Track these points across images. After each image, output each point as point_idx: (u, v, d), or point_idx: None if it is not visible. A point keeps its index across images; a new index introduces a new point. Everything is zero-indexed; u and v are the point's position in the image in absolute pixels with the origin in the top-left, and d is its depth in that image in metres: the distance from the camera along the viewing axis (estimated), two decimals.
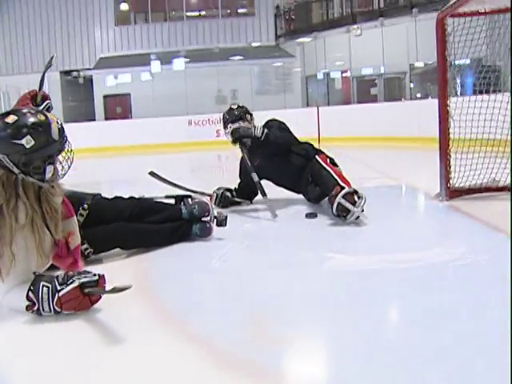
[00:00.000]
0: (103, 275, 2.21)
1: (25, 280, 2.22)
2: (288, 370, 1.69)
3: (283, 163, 4.26)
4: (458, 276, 2.43)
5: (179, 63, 17.74)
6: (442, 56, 4.13)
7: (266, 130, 4.14)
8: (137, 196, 3.45)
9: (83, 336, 2.00)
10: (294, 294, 2.34)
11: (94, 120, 17.05)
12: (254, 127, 4.21)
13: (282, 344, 1.80)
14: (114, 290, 2.06)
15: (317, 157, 4.13)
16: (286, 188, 4.51)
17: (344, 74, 16.80)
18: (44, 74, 3.03)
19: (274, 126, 4.30)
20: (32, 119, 2.16)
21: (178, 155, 13.26)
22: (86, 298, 2.17)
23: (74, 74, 18.21)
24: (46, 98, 2.82)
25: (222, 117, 4.53)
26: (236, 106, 4.50)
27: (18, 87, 16.62)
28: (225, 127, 4.42)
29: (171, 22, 18.40)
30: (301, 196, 4.42)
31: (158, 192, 4.18)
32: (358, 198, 3.53)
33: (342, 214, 3.52)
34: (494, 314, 1.92)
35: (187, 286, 2.54)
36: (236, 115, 4.38)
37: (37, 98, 2.62)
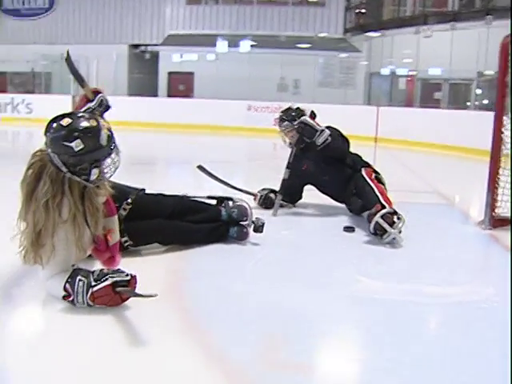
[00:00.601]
0: (135, 276, 2.35)
1: (64, 269, 2.40)
2: None
3: (333, 172, 4.29)
4: (479, 322, 2.40)
5: (245, 45, 17.77)
6: (502, 81, 4.04)
7: (328, 140, 4.08)
8: (180, 194, 3.56)
9: (110, 330, 2.16)
10: (315, 315, 2.40)
11: (157, 96, 17.36)
12: (321, 131, 4.09)
13: (291, 373, 1.87)
14: (142, 296, 2.23)
15: (363, 170, 4.14)
16: (329, 196, 4.54)
17: (410, 73, 16.46)
18: (74, 69, 3.28)
19: (335, 135, 4.22)
20: (84, 124, 2.31)
21: (234, 139, 13.39)
22: (117, 295, 2.32)
23: (142, 48, 18.54)
24: (97, 92, 3.10)
25: (279, 114, 4.53)
26: (296, 107, 4.51)
27: (88, 56, 17.14)
28: (280, 125, 4.45)
29: (241, 6, 18.43)
30: (343, 205, 4.45)
31: (201, 190, 4.27)
32: (398, 218, 3.55)
33: (379, 233, 3.54)
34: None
35: (216, 291, 2.64)
36: (293, 115, 4.37)
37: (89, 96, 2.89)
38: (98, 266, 2.54)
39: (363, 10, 17.54)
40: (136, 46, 18.57)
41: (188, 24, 18.52)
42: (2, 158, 8.63)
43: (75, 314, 2.29)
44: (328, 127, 4.26)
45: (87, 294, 2.30)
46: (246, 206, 3.52)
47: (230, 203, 3.57)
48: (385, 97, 16.71)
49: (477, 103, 14.72)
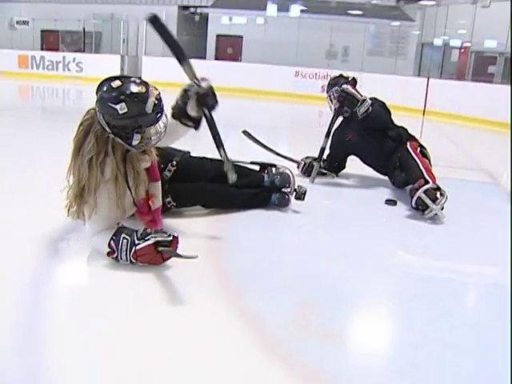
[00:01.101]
0: (177, 237, 2.42)
1: (108, 227, 2.50)
2: (326, 369, 1.79)
3: (376, 144, 4.26)
4: None
5: (295, 10, 17.50)
6: None
7: (369, 111, 4.05)
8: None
9: (150, 287, 2.25)
10: (349, 287, 2.44)
11: (205, 58, 17.35)
12: (362, 101, 4.07)
13: (324, 340, 1.92)
14: (182, 257, 2.32)
15: (408, 143, 4.10)
16: (372, 168, 4.52)
17: (464, 44, 15.93)
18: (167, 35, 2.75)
19: (377, 106, 4.19)
20: (132, 89, 2.36)
21: (280, 104, 13.37)
22: (158, 254, 2.41)
23: (192, 10, 18.46)
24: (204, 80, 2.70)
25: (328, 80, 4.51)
26: (347, 76, 4.45)
27: (137, 17, 17.20)
28: (327, 91, 4.42)
29: None
30: (386, 178, 4.43)
31: (245, 155, 4.31)
32: (441, 195, 3.51)
33: (421, 209, 3.52)
34: None
35: (253, 255, 2.71)
36: (342, 83, 4.30)
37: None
38: (142, 226, 2.62)
39: None
40: (186, 8, 18.49)
41: None
42: (52, 114, 8.89)
43: (118, 269, 2.40)
44: (372, 99, 4.22)
45: (130, 251, 2.39)
46: (289, 173, 3.54)
47: (273, 170, 3.60)
48: (436, 69, 16.26)
49: None
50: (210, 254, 2.64)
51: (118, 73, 16.01)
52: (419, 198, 3.50)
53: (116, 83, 2.37)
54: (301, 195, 3.51)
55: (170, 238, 2.40)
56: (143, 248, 2.38)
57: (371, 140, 4.26)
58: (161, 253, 2.40)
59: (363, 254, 2.83)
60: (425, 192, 3.50)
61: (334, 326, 2.05)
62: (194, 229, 2.99)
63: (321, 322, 2.09)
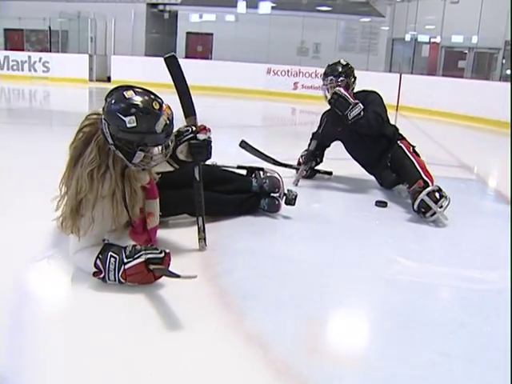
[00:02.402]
0: (169, 253, 2.25)
1: (95, 244, 2.31)
2: None
3: (367, 142, 4.10)
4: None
5: (265, 6, 17.39)
6: None
7: (360, 115, 3.86)
8: (209, 163, 3.45)
9: (141, 311, 2.06)
10: (355, 300, 2.32)
11: None
12: (354, 104, 3.87)
13: (339, 364, 1.79)
14: (178, 276, 2.10)
15: (399, 142, 3.99)
16: (360, 164, 4.40)
17: (433, 40, 16.03)
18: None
19: (373, 103, 4.02)
20: (145, 104, 2.18)
21: (252, 102, 13.27)
22: (150, 273, 2.23)
23: (160, 7, 18.17)
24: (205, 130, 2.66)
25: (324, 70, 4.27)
26: (345, 63, 4.26)
27: (105, 15, 16.86)
28: (324, 79, 4.22)
29: None
30: (372, 178, 4.33)
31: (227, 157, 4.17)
32: (442, 196, 3.43)
33: (422, 211, 3.43)
34: None
35: (249, 268, 2.55)
36: (340, 71, 4.15)
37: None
38: (130, 241, 2.45)
39: None
40: (154, 5, 18.20)
41: None
42: (19, 117, 8.55)
43: (104, 291, 2.20)
44: (372, 93, 4.11)
45: (119, 271, 2.21)
46: (278, 177, 3.41)
47: (261, 174, 3.47)
48: (407, 64, 16.33)
49: (500, 78, 14.30)
50: (204, 270, 2.48)
51: (86, 73, 15.69)
52: (422, 200, 3.40)
53: (129, 93, 2.18)
54: (291, 200, 3.38)
55: (162, 255, 2.22)
56: (133, 267, 2.20)
57: (363, 139, 4.11)
58: (152, 271, 2.23)
59: (362, 262, 2.71)
60: (428, 194, 3.40)
61: (347, 347, 1.93)
62: (182, 241, 2.82)
63: (333, 343, 1.96)
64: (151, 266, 2.21)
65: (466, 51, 15.40)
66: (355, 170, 4.42)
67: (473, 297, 2.40)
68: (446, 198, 3.43)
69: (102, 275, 2.23)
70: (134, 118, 2.14)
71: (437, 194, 3.42)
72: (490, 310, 2.28)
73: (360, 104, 3.88)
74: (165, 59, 2.62)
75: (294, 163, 4.46)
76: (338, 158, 4.50)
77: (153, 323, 1.97)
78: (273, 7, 17.30)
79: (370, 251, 2.88)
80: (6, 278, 2.26)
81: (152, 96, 2.23)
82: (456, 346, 1.94)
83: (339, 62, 4.27)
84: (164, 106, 2.24)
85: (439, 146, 7.46)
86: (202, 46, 18.13)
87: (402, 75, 12.86)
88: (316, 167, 4.49)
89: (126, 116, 2.14)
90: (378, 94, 4.16)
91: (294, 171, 4.36)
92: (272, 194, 3.38)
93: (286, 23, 16.97)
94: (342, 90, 3.94)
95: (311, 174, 4.46)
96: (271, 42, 16.76)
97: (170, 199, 3.03)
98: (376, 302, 2.29)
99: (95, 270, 2.24)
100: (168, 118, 2.23)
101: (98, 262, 2.23)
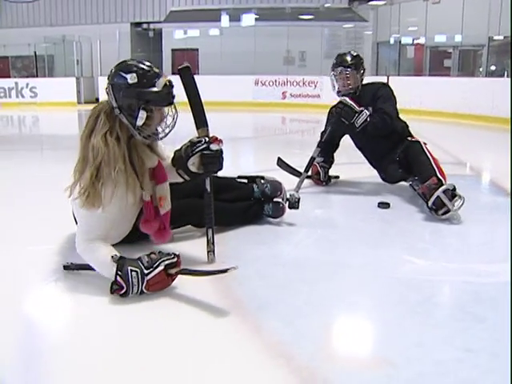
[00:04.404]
0: (178, 255, 2.28)
1: (105, 236, 2.38)
2: None
3: (374, 136, 4.05)
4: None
5: (249, 19, 17.47)
6: None
7: (367, 122, 3.81)
8: None
9: (155, 326, 2.03)
10: (372, 302, 2.29)
11: None
12: (360, 112, 3.81)
13: (360, 368, 1.77)
14: (199, 273, 2.27)
15: (413, 139, 3.98)
16: (365, 156, 4.39)
17: (417, 41, 16.14)
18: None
19: (382, 99, 3.97)
20: (146, 66, 2.36)
21: (242, 114, 13.29)
22: (168, 278, 2.25)
23: (144, 26, 18.24)
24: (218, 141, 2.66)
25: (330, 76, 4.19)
26: (355, 54, 4.20)
27: (90, 37, 16.89)
28: (333, 69, 4.16)
29: None
30: (372, 178, 4.32)
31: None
32: (456, 196, 3.42)
33: (434, 209, 3.41)
34: None
35: (262, 277, 2.51)
36: (349, 63, 4.09)
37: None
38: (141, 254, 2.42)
39: None
40: (138, 24, 18.27)
41: None
42: (8, 144, 8.47)
43: (110, 308, 2.17)
44: (383, 86, 4.09)
45: (143, 283, 2.19)
46: (279, 181, 3.40)
47: (262, 180, 3.46)
48: (393, 66, 16.45)
49: (486, 74, 14.42)
50: (215, 283, 2.44)
51: (74, 96, 15.69)
52: (438, 197, 3.37)
53: (131, 60, 2.45)
54: (295, 203, 3.36)
55: (175, 259, 2.25)
56: (155, 276, 2.19)
57: (374, 136, 4.05)
58: (170, 275, 2.24)
59: (374, 264, 2.69)
60: (444, 192, 3.38)
61: (369, 350, 1.91)
62: (190, 254, 2.76)
63: (354, 347, 1.92)
64: (171, 271, 2.23)
65: (451, 50, 15.52)
66: (353, 173, 4.42)
67: (486, 291, 2.38)
68: (460, 197, 3.41)
69: (123, 291, 2.20)
70: (135, 74, 2.29)
71: (452, 193, 3.41)
72: (504, 302, 2.26)
73: (365, 111, 3.84)
74: (179, 70, 2.67)
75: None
76: (336, 163, 4.49)
77: (168, 340, 1.93)
78: (256, 19, 17.39)
79: (380, 252, 2.86)
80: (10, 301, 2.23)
81: (154, 67, 2.40)
82: (477, 340, 1.92)
83: (349, 52, 4.22)
84: (163, 73, 2.40)
85: (433, 144, 7.37)
86: (188, 61, 18.12)
87: (390, 77, 12.91)
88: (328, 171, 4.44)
89: (127, 73, 2.30)
90: (387, 87, 4.13)
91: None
92: (275, 199, 3.36)
93: (270, 34, 17.05)
94: (347, 99, 3.92)
95: (327, 181, 4.41)
96: (257, 54, 16.83)
97: (175, 208, 2.96)
98: (393, 302, 2.26)
99: (116, 287, 2.21)
100: (169, 81, 2.36)
101: (119, 279, 2.20)
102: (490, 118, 10.20)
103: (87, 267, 2.39)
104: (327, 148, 4.30)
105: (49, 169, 5.54)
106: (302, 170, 4.19)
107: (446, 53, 15.78)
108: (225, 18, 17.47)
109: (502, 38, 14.03)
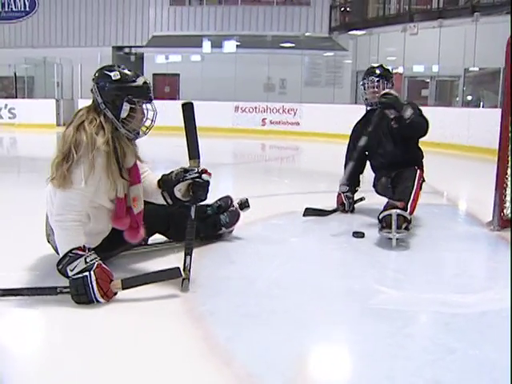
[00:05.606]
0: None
1: (81, 213, 2.53)
2: None
3: (394, 149, 4.14)
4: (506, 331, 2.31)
5: (230, 45, 17.67)
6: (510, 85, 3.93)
7: (413, 115, 3.82)
8: None
9: (124, 357, 1.99)
10: (339, 332, 2.29)
11: None
12: (407, 104, 3.89)
13: None
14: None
15: (417, 169, 4.02)
16: (371, 164, 4.43)
17: (395, 71, 16.42)
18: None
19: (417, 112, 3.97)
20: (127, 68, 2.70)
21: (221, 140, 13.31)
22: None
23: (126, 50, 18.33)
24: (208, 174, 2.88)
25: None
26: (386, 68, 4.26)
27: (71, 60, 16.90)
28: (363, 78, 4.21)
29: (225, 6, 18.30)
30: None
31: None
32: (405, 228, 3.48)
33: (380, 225, 3.50)
34: None
35: (234, 307, 2.48)
36: (379, 73, 4.15)
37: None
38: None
39: (348, 9, 17.51)
40: (120, 48, 18.35)
41: (172, 25, 18.33)
42: None
43: (83, 335, 2.15)
44: (412, 103, 4.09)
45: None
46: (228, 195, 3.60)
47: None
48: None
49: (462, 104, 14.71)
50: (188, 312, 2.42)
51: (53, 118, 15.62)
52: (390, 215, 3.43)
53: (112, 65, 2.78)
54: (244, 203, 3.59)
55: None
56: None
57: (392, 142, 4.16)
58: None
59: (347, 294, 2.70)
60: (398, 215, 3.43)
61: (339, 382, 1.90)
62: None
63: (325, 378, 1.90)
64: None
65: (428, 80, 15.85)
66: (329, 202, 4.45)
67: (457, 321, 2.39)
68: (408, 229, 3.50)
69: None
70: (118, 72, 2.62)
71: (405, 223, 3.47)
72: (475, 333, 2.28)
73: (409, 104, 3.91)
74: (182, 105, 2.94)
75: (277, 198, 4.44)
76: (311, 192, 4.51)
77: (135, 373, 1.89)
78: (238, 46, 17.60)
79: (352, 282, 2.87)
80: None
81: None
82: (447, 372, 1.92)
83: (381, 65, 4.30)
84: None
85: None
86: (169, 86, 18.27)
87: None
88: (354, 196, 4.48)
89: (110, 72, 2.63)
90: (416, 105, 4.13)
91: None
92: (230, 209, 3.51)
93: (251, 61, 17.24)
94: (392, 91, 3.98)
95: (352, 210, 4.47)
96: (238, 80, 16.97)
97: (147, 213, 2.92)
98: (364, 334, 2.26)
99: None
100: (146, 82, 2.68)
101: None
102: (466, 147, 10.37)
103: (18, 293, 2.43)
104: (353, 172, 4.15)
105: (23, 193, 5.48)
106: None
107: (424, 82, 16.11)
108: (206, 44, 17.64)
109: (477, 69, 14.38)
